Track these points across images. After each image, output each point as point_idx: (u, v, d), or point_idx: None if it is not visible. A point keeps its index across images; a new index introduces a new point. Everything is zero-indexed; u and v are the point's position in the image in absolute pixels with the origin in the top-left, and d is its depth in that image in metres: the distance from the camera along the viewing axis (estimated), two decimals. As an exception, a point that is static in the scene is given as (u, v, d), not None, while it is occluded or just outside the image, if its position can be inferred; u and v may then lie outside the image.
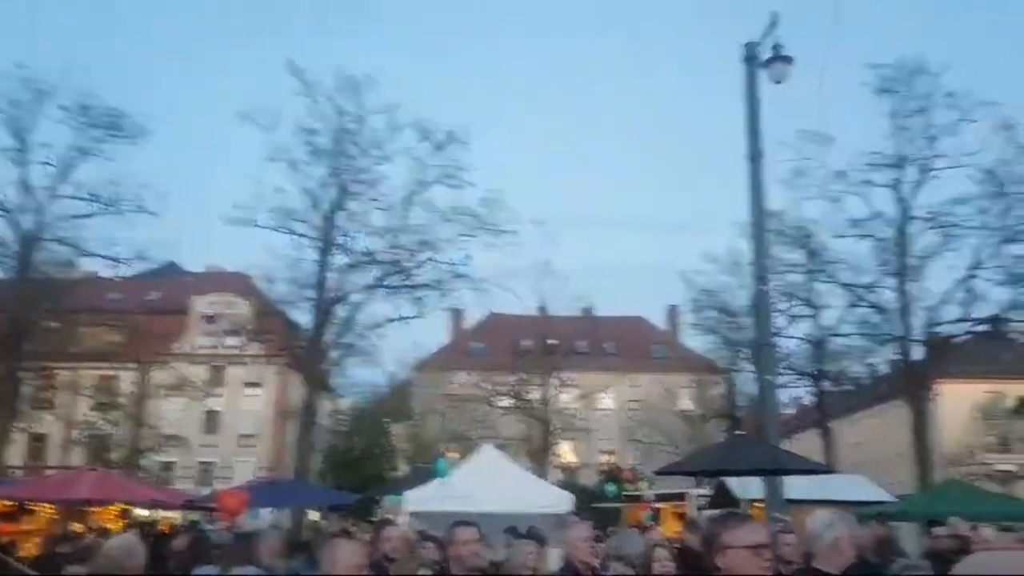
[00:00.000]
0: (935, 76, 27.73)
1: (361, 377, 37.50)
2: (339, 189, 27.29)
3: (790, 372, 32.78)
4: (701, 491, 21.75)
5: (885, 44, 49.57)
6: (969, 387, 36.66)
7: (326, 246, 26.98)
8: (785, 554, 5.61)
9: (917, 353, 29.73)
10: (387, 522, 8.32)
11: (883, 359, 32.46)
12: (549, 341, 41.56)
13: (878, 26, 70.21)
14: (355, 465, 34.32)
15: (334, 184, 27.28)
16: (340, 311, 27.47)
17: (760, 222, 14.51)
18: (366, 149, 27.16)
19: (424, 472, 21.39)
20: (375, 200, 27.58)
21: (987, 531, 8.99)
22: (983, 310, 28.98)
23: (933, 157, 28.33)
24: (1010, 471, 34.11)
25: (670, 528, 18.58)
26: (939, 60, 36.73)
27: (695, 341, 42.59)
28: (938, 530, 10.58)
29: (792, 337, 32.33)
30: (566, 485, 26.38)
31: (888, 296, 29.19)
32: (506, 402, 40.42)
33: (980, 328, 30.92)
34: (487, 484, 16.25)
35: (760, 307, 15.20)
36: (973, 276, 28.23)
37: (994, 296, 28.50)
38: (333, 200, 27.18)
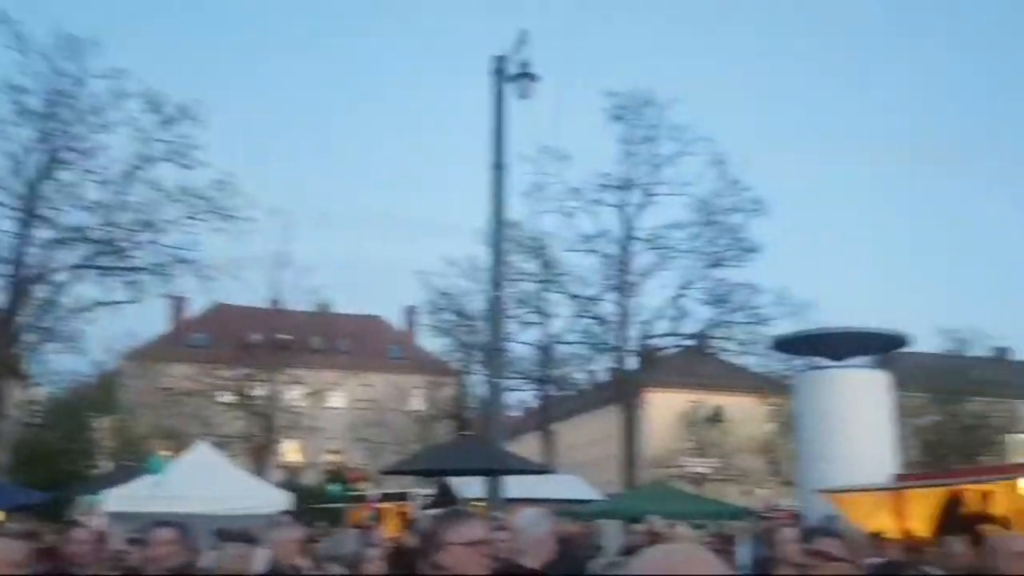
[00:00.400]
0: (662, 109, 30.30)
1: (62, 364, 33.73)
2: (48, 156, 24.52)
3: (518, 376, 34.11)
4: (425, 491, 21.89)
5: (633, 71, 53.35)
6: (674, 396, 39.95)
7: (28, 217, 24.14)
8: (498, 550, 5.66)
9: (631, 363, 32.20)
10: (75, 523, 7.56)
11: (601, 367, 34.76)
12: (280, 336, 40.04)
13: (625, 54, 75.58)
14: (49, 461, 30.89)
15: (43, 150, 24.48)
16: (40, 290, 24.76)
17: (499, 230, 14.95)
18: (83, 115, 24.68)
19: (130, 470, 19.84)
20: (90, 172, 25.11)
21: (681, 528, 9.70)
22: (689, 326, 32.08)
23: (655, 184, 30.93)
24: (704, 473, 37.70)
25: (392, 527, 18.51)
26: (669, 93, 40.21)
27: (431, 343, 43.14)
28: (636, 527, 11.30)
29: (522, 343, 33.72)
30: (288, 485, 25.53)
31: (609, 309, 31.37)
32: (228, 398, 38.40)
33: (686, 342, 34.21)
34: (199, 483, 15.42)
35: (494, 312, 15.63)
36: (682, 295, 31.15)
37: (699, 314, 31.67)
38: (40, 167, 24.38)
